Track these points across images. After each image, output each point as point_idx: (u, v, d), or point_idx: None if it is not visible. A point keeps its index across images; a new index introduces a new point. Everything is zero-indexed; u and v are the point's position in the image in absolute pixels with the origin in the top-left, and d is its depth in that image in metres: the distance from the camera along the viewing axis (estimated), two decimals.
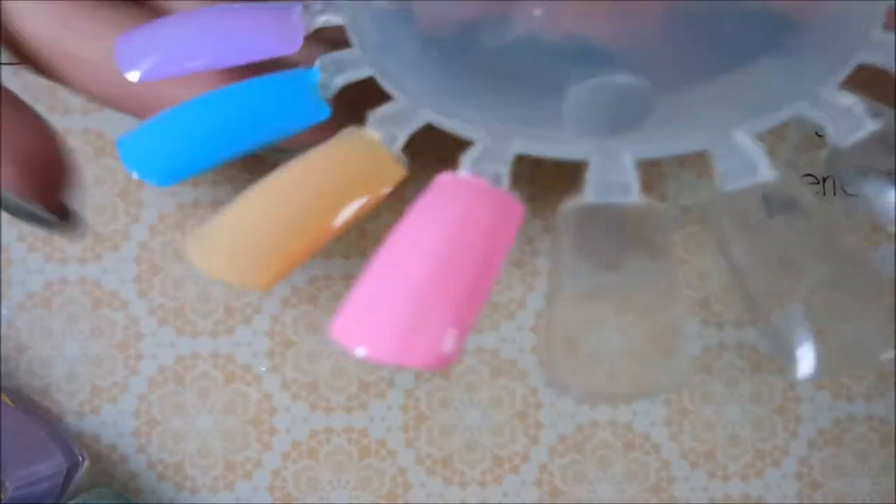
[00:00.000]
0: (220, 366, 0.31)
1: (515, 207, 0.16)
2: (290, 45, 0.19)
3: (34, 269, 0.30)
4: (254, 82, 0.18)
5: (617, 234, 0.16)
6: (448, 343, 0.14)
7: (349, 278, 0.31)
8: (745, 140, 0.16)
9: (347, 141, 0.17)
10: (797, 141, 0.31)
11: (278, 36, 0.18)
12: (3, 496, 0.27)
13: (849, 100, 0.16)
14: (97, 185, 0.30)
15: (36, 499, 0.27)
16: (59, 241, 0.30)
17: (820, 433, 0.31)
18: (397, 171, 0.17)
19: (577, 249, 0.16)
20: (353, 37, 0.18)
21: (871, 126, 0.16)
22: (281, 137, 0.18)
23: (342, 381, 0.31)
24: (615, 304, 0.16)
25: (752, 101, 0.17)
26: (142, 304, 0.30)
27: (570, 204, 0.16)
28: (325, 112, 0.18)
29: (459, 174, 0.16)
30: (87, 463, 0.30)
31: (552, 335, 0.15)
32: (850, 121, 0.16)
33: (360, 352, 0.15)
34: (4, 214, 0.30)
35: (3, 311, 0.30)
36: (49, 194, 0.20)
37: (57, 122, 0.30)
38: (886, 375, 0.32)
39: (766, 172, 0.16)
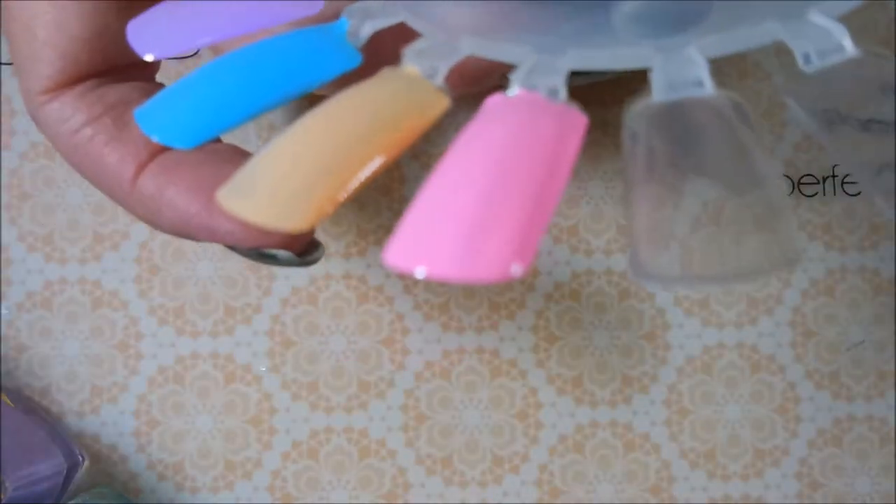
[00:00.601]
0: (220, 366, 0.31)
1: (577, 118, 0.15)
2: (311, 6, 0.18)
3: (34, 269, 0.30)
4: (280, 38, 0.18)
5: (693, 132, 0.15)
6: (514, 255, 0.13)
7: (349, 278, 0.31)
8: (822, 19, 0.15)
9: (386, 77, 0.16)
10: (797, 140, 0.31)
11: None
12: (3, 496, 0.26)
13: None
14: None
15: (36, 499, 0.27)
16: (60, 241, 0.30)
17: (820, 433, 0.31)
18: (441, 101, 0.16)
19: (650, 152, 0.15)
20: None
21: None
22: (312, 87, 0.17)
23: (342, 381, 0.31)
24: (698, 196, 0.15)
25: None
26: (142, 304, 0.30)
27: (638, 106, 0.15)
28: (356, 59, 0.17)
29: (511, 93, 0.15)
30: (87, 463, 0.30)
31: (637, 231, 0.14)
32: None
33: (420, 271, 0.13)
34: (4, 213, 0.30)
35: (3, 311, 0.30)
36: (281, 239, 0.20)
37: None
38: (886, 375, 0.32)
39: (851, 48, 0.15)
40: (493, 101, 0.15)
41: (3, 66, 0.30)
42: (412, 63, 0.16)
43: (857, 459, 0.32)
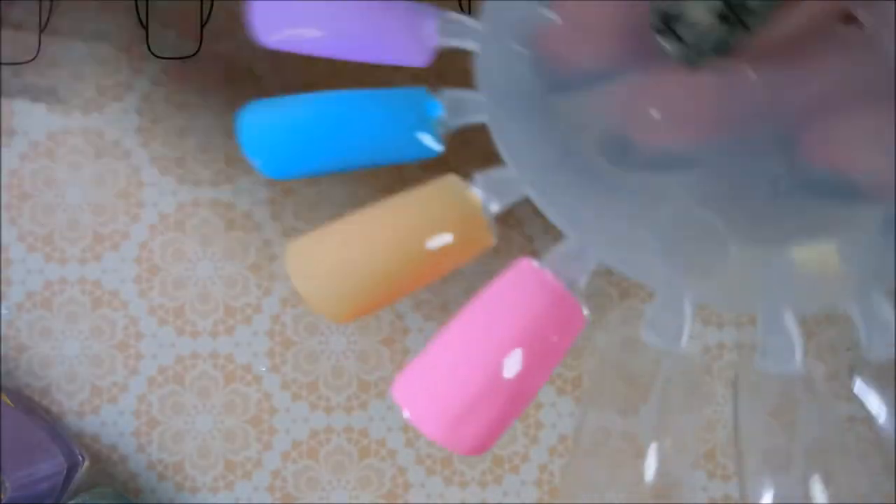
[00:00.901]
0: (220, 366, 0.31)
1: (580, 318, 0.16)
2: (419, 57, 0.18)
3: (34, 269, 0.30)
4: (379, 97, 0.18)
5: (641, 381, 0.17)
6: (486, 442, 0.15)
7: None
8: (792, 325, 0.16)
9: (451, 197, 0.17)
10: None
11: (409, 45, 0.18)
12: (3, 496, 0.27)
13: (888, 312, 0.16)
14: (97, 185, 0.30)
15: (36, 499, 0.27)
16: (60, 241, 0.30)
17: None
18: (487, 239, 0.17)
19: (603, 384, 0.17)
20: (478, 73, 0.18)
21: None
22: (385, 162, 0.18)
23: (342, 380, 0.31)
24: (620, 450, 0.17)
25: (817, 280, 0.17)
26: (142, 304, 0.30)
27: (612, 337, 0.17)
28: (436, 150, 0.18)
29: (542, 267, 0.16)
30: (87, 463, 0.30)
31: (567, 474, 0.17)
32: (885, 336, 0.16)
33: (407, 416, 0.15)
34: (4, 213, 0.30)
35: (3, 311, 0.30)
36: None
37: (57, 121, 0.30)
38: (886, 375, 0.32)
39: (799, 363, 0.16)
40: (525, 270, 0.16)
41: (2, 67, 0.30)
42: (478, 190, 0.17)
43: (857, 459, 0.32)
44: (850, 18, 0.18)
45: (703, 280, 0.17)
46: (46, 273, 0.30)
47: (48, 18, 0.30)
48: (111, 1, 0.30)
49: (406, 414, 0.15)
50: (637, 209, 0.17)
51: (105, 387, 0.30)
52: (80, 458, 0.29)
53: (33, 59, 0.30)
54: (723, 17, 0.15)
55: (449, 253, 0.16)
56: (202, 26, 0.30)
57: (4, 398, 0.29)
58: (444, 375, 0.15)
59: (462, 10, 0.19)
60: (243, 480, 0.31)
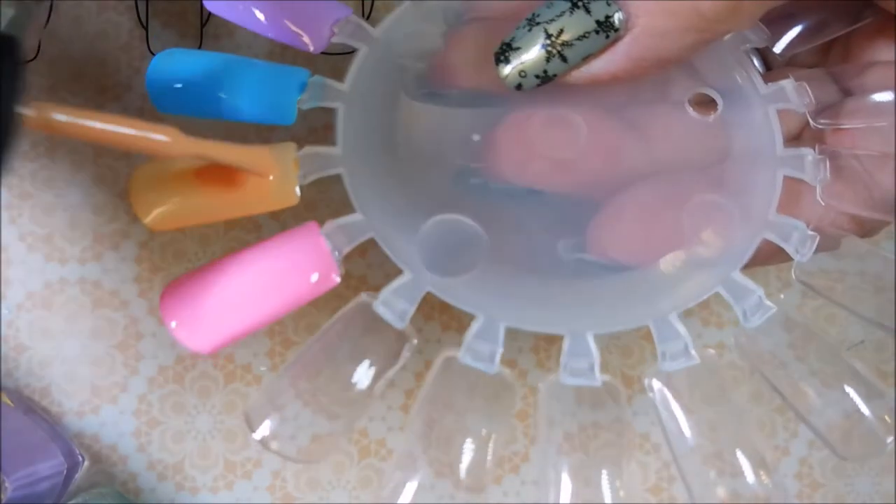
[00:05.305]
0: (220, 365, 0.31)
1: (334, 275, 0.19)
2: (315, 44, 0.20)
3: (34, 269, 0.30)
4: (269, 67, 0.20)
5: (580, 410, 0.20)
6: (218, 343, 0.18)
7: (350, 278, 0.31)
8: (678, 324, 0.20)
9: (279, 155, 0.19)
10: None
11: (310, 31, 0.20)
12: (3, 496, 0.27)
13: (752, 286, 0.20)
14: (97, 185, 0.30)
15: (36, 499, 0.27)
16: (60, 241, 0.30)
17: None
18: (291, 200, 0.19)
19: (549, 422, 0.20)
20: (353, 70, 0.20)
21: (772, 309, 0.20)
22: (250, 118, 0.20)
23: None
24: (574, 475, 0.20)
25: (682, 289, 0.21)
26: (142, 304, 0.30)
27: (547, 381, 0.20)
28: (289, 120, 0.20)
29: (321, 232, 0.19)
30: (87, 463, 0.30)
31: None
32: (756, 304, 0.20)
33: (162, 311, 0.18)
34: (4, 213, 0.30)
35: (3, 311, 0.30)
36: None
37: None
38: (886, 375, 0.32)
39: (694, 355, 0.20)
40: (306, 228, 0.19)
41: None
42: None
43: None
44: (704, 104, 0.21)
45: (517, 306, 0.20)
46: (46, 273, 0.30)
47: (48, 18, 0.30)
48: (111, 1, 0.30)
49: (164, 314, 0.18)
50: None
51: (105, 387, 0.30)
52: (80, 458, 0.29)
53: (33, 59, 0.30)
54: (547, 51, 0.18)
55: (258, 194, 0.19)
56: (202, 26, 0.30)
57: (4, 398, 0.29)
58: (205, 288, 0.18)
59: (363, 14, 0.20)
60: (243, 480, 0.31)
